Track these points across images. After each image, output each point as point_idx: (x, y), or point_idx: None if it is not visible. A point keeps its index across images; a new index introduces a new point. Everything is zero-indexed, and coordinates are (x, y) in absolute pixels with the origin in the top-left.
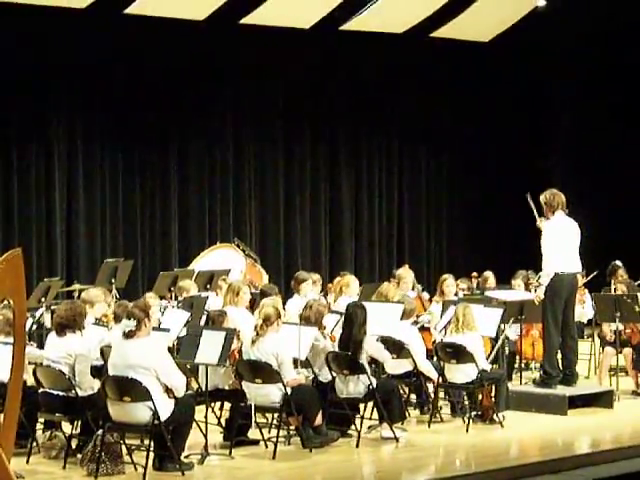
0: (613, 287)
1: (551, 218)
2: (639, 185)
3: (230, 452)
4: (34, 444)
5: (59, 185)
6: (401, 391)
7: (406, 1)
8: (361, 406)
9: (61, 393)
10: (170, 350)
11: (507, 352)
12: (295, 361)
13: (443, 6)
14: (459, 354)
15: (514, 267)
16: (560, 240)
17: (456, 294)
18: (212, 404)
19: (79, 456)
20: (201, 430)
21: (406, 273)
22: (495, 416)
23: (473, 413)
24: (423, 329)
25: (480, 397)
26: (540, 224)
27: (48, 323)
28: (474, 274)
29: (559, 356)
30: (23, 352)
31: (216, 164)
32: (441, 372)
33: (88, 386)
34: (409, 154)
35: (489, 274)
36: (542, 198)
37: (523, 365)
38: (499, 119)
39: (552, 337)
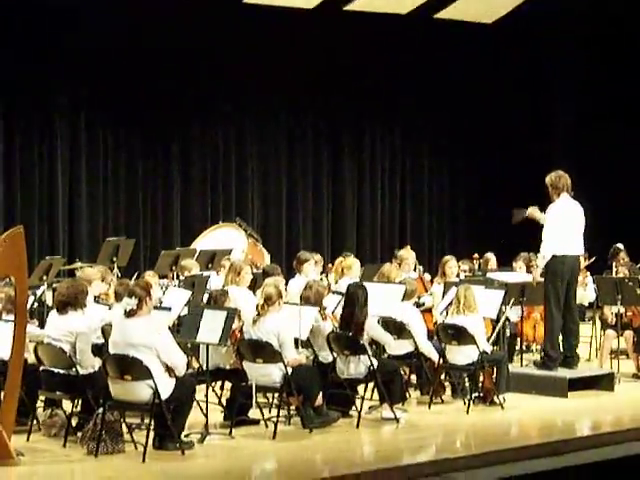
0: (615, 270)
1: (556, 200)
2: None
3: (230, 432)
4: (34, 422)
5: (62, 164)
6: (402, 372)
7: None
8: (362, 387)
9: (62, 371)
10: (171, 329)
11: (508, 334)
12: (296, 341)
13: None
14: (460, 335)
15: (516, 249)
16: (563, 223)
17: (457, 275)
18: (213, 383)
19: (79, 434)
20: (201, 409)
21: (408, 254)
22: (496, 398)
23: (474, 395)
24: (424, 310)
25: (481, 379)
26: (532, 211)
27: (49, 301)
28: (475, 256)
29: (560, 338)
30: (24, 330)
31: (219, 144)
32: (442, 353)
33: (89, 364)
34: (411, 136)
35: (490, 256)
36: (547, 180)
37: (524, 347)
38: (501, 101)
39: (554, 319)
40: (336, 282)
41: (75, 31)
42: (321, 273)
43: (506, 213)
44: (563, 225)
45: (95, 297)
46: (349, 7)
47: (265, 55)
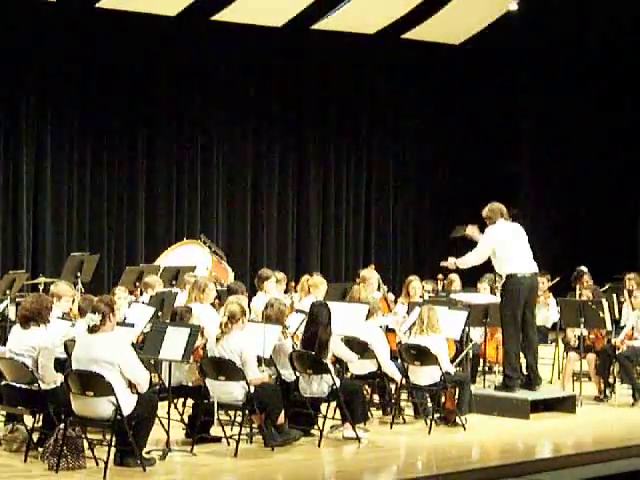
0: (578, 292)
1: (492, 226)
2: (605, 191)
3: (192, 449)
4: None
5: (26, 178)
6: (364, 392)
7: (378, 2)
8: (324, 406)
9: (24, 386)
10: (134, 345)
11: (471, 355)
12: (259, 359)
13: (415, 8)
14: (423, 356)
15: (480, 270)
16: (506, 243)
17: (421, 296)
18: (175, 400)
19: (40, 450)
20: (163, 426)
21: (370, 274)
22: (457, 419)
23: (436, 415)
24: (388, 330)
25: (443, 399)
26: (472, 231)
27: (12, 315)
28: (440, 276)
29: (521, 358)
30: None
31: (184, 161)
32: (405, 373)
33: (51, 380)
34: (377, 154)
35: (455, 277)
36: (483, 213)
37: (487, 368)
38: (468, 121)
39: (511, 340)
40: (300, 300)
41: (43, 43)
42: (285, 292)
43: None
44: (510, 244)
45: (64, 313)
46: (317, 26)
47: (232, 72)
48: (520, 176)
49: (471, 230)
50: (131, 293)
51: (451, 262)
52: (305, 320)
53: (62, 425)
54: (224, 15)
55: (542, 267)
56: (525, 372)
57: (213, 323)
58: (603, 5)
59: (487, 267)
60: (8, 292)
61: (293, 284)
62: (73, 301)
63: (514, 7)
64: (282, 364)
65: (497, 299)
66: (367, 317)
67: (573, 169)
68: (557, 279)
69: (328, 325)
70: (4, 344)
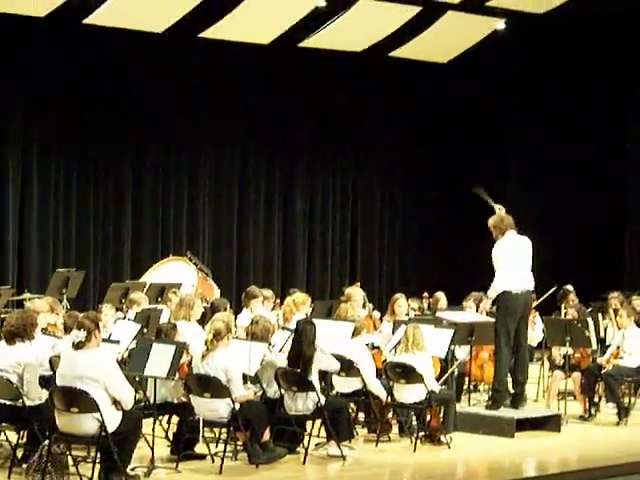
0: (564, 311)
1: (501, 238)
2: (591, 211)
3: (177, 466)
4: None
5: (12, 194)
6: (349, 409)
7: (366, 20)
8: (309, 423)
9: (8, 402)
10: (120, 362)
11: (456, 373)
12: (244, 376)
13: (403, 26)
14: (408, 374)
15: (466, 288)
16: (512, 258)
17: (407, 314)
18: (160, 417)
19: (24, 466)
20: (148, 443)
21: (356, 292)
22: (443, 437)
23: (421, 433)
24: (373, 348)
25: (428, 418)
26: (500, 210)
27: None
28: (425, 294)
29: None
30: None
31: (170, 177)
32: (390, 391)
33: (36, 396)
34: (364, 173)
35: (440, 295)
36: (490, 222)
37: (472, 387)
38: (455, 140)
39: (503, 355)
40: (286, 319)
41: (30, 64)
42: (272, 309)
43: (458, 252)
44: (512, 261)
45: (43, 329)
46: (305, 44)
47: (220, 90)
48: (506, 194)
49: (499, 209)
50: (117, 310)
51: (486, 308)
52: (290, 337)
53: (46, 441)
54: (211, 32)
55: None
56: (512, 390)
57: (199, 340)
58: (590, 25)
59: (474, 285)
60: None
61: (278, 301)
62: (57, 315)
63: (501, 26)
64: (267, 381)
65: (483, 318)
66: (353, 335)
67: (559, 187)
68: (544, 297)
69: (313, 342)
70: None
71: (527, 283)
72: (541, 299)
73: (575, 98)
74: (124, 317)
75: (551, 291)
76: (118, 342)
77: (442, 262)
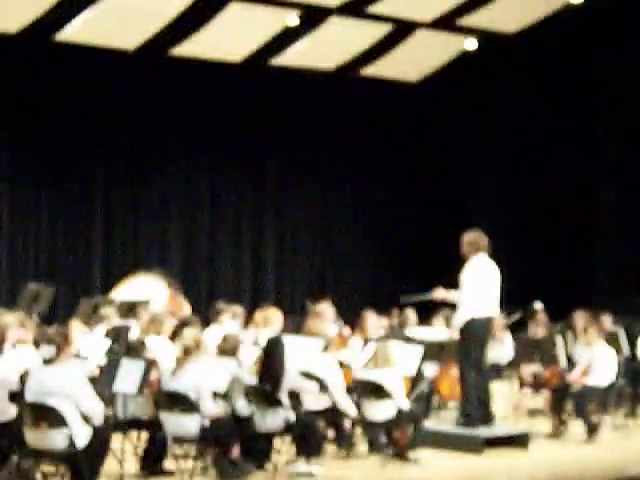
0: (532, 329)
1: (472, 258)
2: (560, 229)
3: None
4: None
5: None
6: (319, 426)
7: (336, 38)
8: (278, 440)
9: None
10: (90, 378)
11: (426, 390)
12: (214, 393)
13: (374, 44)
14: (377, 391)
15: (437, 304)
16: (480, 284)
17: (377, 331)
18: (129, 433)
19: None
20: (117, 459)
21: (325, 308)
22: (411, 454)
23: (390, 450)
24: (343, 365)
25: (397, 435)
26: (438, 294)
27: None
28: (395, 311)
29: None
30: None
31: (141, 193)
32: (359, 408)
33: (5, 411)
34: (333, 187)
35: (410, 312)
36: (466, 238)
37: (440, 404)
38: (425, 158)
39: (469, 380)
40: (257, 335)
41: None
42: (245, 325)
43: (426, 268)
44: (480, 286)
45: (13, 344)
46: (275, 62)
47: (190, 107)
48: (476, 212)
49: (438, 294)
50: (86, 325)
51: (453, 336)
52: (260, 355)
53: (15, 457)
54: (182, 50)
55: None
56: (479, 410)
57: (168, 356)
58: (560, 44)
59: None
60: None
61: (249, 317)
62: (27, 330)
63: (473, 46)
64: (237, 398)
65: (452, 334)
66: (323, 350)
67: (528, 206)
68: (515, 317)
69: (282, 359)
70: None
71: (491, 310)
72: (512, 319)
73: (549, 115)
74: (93, 333)
75: (517, 316)
76: (87, 358)
77: (413, 279)
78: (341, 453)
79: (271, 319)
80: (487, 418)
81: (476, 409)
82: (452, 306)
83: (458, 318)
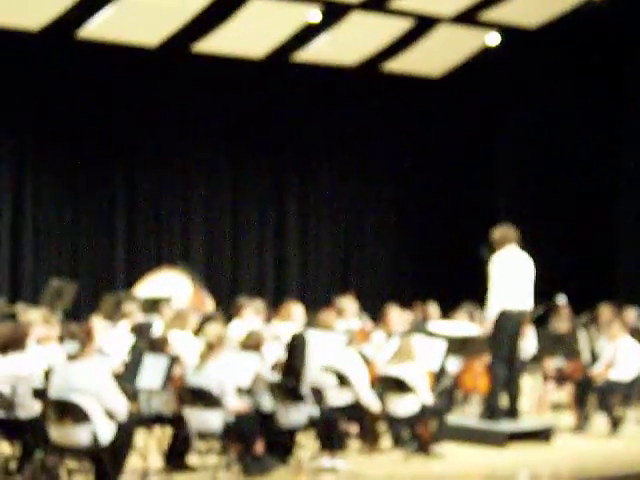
0: (556, 323)
1: (501, 251)
2: (585, 220)
3: (170, 478)
4: None
5: (6, 205)
6: (342, 421)
7: (358, 34)
8: (302, 435)
9: (1, 414)
10: (115, 375)
11: (449, 385)
12: (237, 389)
13: (395, 39)
14: (400, 386)
15: (460, 298)
16: (510, 275)
17: (400, 325)
18: (153, 429)
19: (18, 478)
20: (141, 455)
21: (348, 303)
22: (435, 448)
23: (413, 445)
24: (366, 360)
25: (420, 429)
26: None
27: None
28: (418, 305)
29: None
30: None
31: (164, 188)
32: (382, 403)
33: (29, 408)
34: (356, 183)
35: (433, 306)
36: (494, 233)
37: (464, 398)
38: (447, 153)
39: (497, 373)
40: (279, 329)
41: (23, 83)
42: (268, 320)
43: (449, 263)
44: (510, 278)
45: (37, 340)
46: (296, 59)
47: (212, 104)
48: (496, 207)
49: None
50: (109, 321)
51: (487, 328)
52: (284, 350)
53: (40, 453)
54: (204, 46)
55: None
56: (507, 404)
57: (192, 352)
58: (584, 39)
59: (468, 294)
60: None
61: (273, 313)
62: (50, 327)
63: (495, 41)
64: (261, 393)
65: (476, 329)
66: (347, 345)
67: (551, 200)
68: (538, 312)
69: (305, 354)
70: None
71: (523, 303)
72: (536, 314)
73: (568, 113)
74: (110, 331)
75: (540, 311)
76: (111, 354)
77: (437, 272)
78: (365, 448)
79: (294, 314)
80: (512, 413)
81: (499, 402)
82: (475, 300)
83: (489, 311)
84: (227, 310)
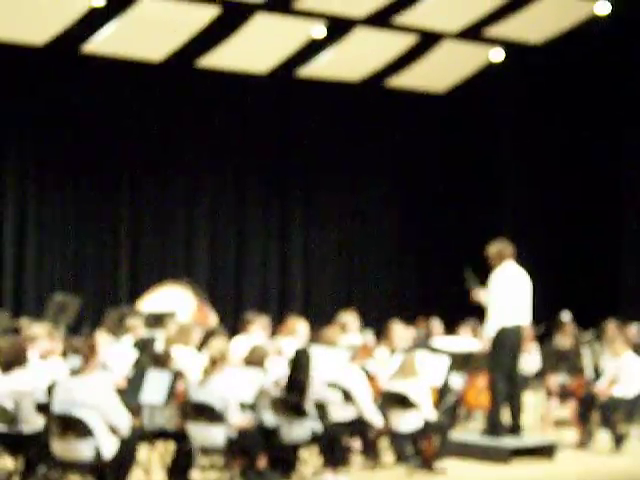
0: (559, 339)
1: (498, 268)
2: (589, 237)
3: None
4: None
5: (10, 220)
6: (345, 437)
7: (362, 50)
8: (305, 451)
9: (4, 429)
10: (118, 389)
11: (452, 401)
12: (240, 404)
13: (399, 55)
14: (404, 401)
15: (463, 314)
16: (509, 292)
17: (403, 341)
18: (156, 444)
19: None
20: (144, 470)
21: (351, 318)
22: (438, 464)
23: (416, 461)
24: (370, 376)
25: (423, 445)
26: (477, 293)
27: None
28: (421, 320)
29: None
30: None
31: (168, 203)
32: (385, 419)
33: (33, 422)
34: (362, 200)
35: (436, 321)
36: (490, 248)
37: (467, 414)
38: (452, 169)
39: (498, 389)
40: (282, 344)
41: (29, 96)
42: (272, 336)
43: (453, 279)
44: (508, 294)
45: (40, 355)
46: (301, 73)
47: (216, 119)
48: (500, 223)
49: (477, 293)
50: (113, 336)
51: (486, 346)
52: (287, 365)
53: (43, 468)
54: (209, 61)
55: None
56: (509, 420)
57: (195, 366)
58: (588, 56)
59: (470, 310)
60: None
61: (277, 328)
62: (54, 341)
63: (499, 57)
64: (263, 409)
65: (479, 345)
66: (350, 360)
67: (556, 214)
68: (542, 328)
69: (309, 370)
70: None
71: (522, 318)
72: (540, 330)
73: (573, 128)
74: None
75: (544, 328)
76: (115, 369)
77: (441, 288)
78: (368, 464)
79: (297, 330)
80: (515, 429)
81: (502, 419)
82: (478, 316)
83: (488, 328)
84: (231, 325)
